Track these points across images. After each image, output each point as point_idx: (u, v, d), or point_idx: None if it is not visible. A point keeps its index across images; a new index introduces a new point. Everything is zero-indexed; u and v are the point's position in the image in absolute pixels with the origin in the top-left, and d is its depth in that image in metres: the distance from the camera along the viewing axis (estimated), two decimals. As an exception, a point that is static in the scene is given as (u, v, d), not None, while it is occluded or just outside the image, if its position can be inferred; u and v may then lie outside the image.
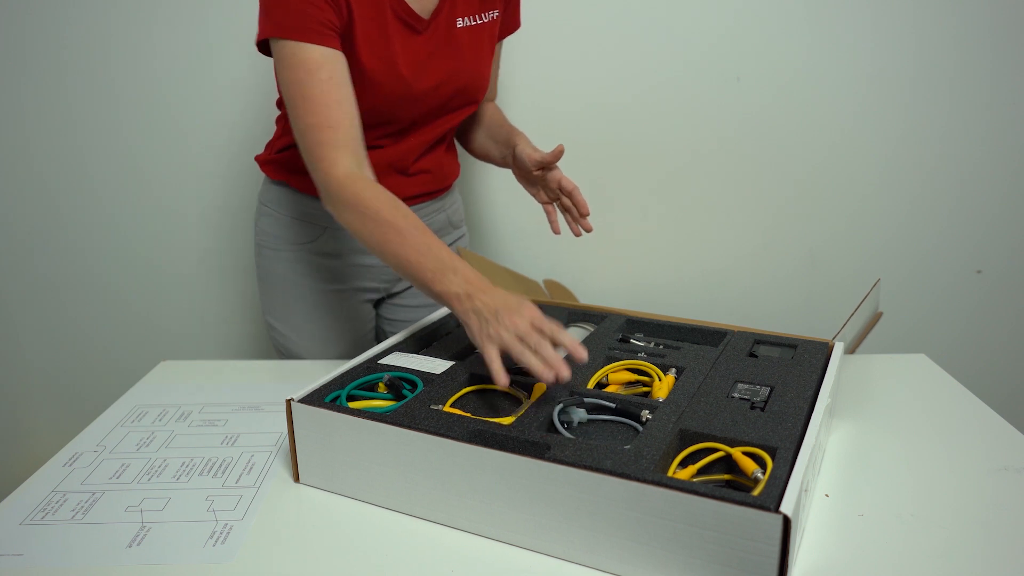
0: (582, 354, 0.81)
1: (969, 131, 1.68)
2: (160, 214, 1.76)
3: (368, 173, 0.99)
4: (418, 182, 1.21)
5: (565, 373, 0.78)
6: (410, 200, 1.20)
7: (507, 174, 1.76)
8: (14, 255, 1.78)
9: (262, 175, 1.27)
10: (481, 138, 1.29)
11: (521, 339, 0.81)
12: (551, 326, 0.82)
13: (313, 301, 1.23)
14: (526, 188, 1.22)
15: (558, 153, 1.08)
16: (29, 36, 1.63)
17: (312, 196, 1.17)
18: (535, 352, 0.79)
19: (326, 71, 0.96)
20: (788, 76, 1.65)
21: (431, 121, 1.15)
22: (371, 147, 1.11)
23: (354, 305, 1.26)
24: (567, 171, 1.72)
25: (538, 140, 1.69)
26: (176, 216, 1.76)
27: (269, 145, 1.23)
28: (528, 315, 0.82)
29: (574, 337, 1.02)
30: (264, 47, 1.01)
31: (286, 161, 1.18)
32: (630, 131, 1.70)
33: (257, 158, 1.24)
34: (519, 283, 1.38)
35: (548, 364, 0.78)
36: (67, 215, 1.75)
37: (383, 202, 0.95)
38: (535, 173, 1.15)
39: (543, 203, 1.19)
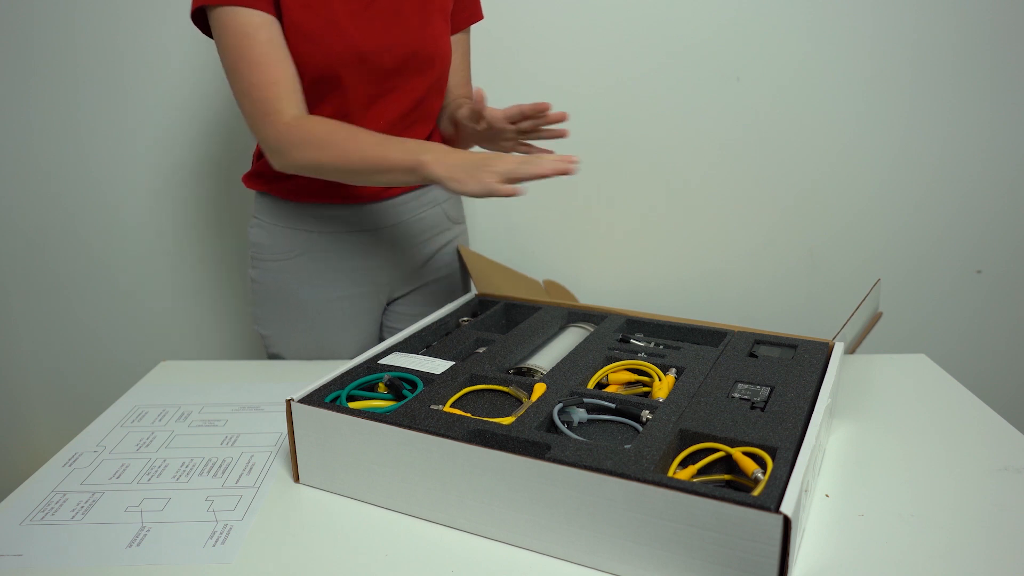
0: (571, 166, 0.88)
1: (969, 131, 1.68)
2: (161, 214, 1.76)
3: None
4: None
5: (574, 162, 0.87)
6: (396, 187, 1.18)
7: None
8: (15, 255, 1.78)
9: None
10: (443, 124, 1.26)
11: (512, 172, 0.89)
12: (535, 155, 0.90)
13: (309, 310, 1.20)
14: (487, 147, 1.15)
15: (537, 109, 1.02)
16: (35, 37, 1.64)
17: (294, 201, 1.17)
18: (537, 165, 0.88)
19: (264, 33, 1.01)
20: (788, 76, 1.65)
21: (387, 94, 1.13)
22: None
23: (352, 314, 1.23)
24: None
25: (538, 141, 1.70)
26: (177, 216, 1.77)
27: (253, 158, 1.22)
28: (511, 159, 0.90)
29: (571, 335, 1.02)
30: (199, 20, 1.04)
31: (263, 170, 1.16)
32: (630, 131, 1.70)
33: (243, 177, 1.21)
34: (521, 282, 1.37)
35: (557, 161, 0.87)
36: (68, 215, 1.76)
37: (332, 125, 1.01)
38: (498, 128, 1.08)
39: (509, 150, 1.12)
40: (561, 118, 1.01)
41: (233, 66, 1.02)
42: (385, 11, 1.10)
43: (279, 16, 1.04)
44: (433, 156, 0.94)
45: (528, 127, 1.05)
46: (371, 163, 0.99)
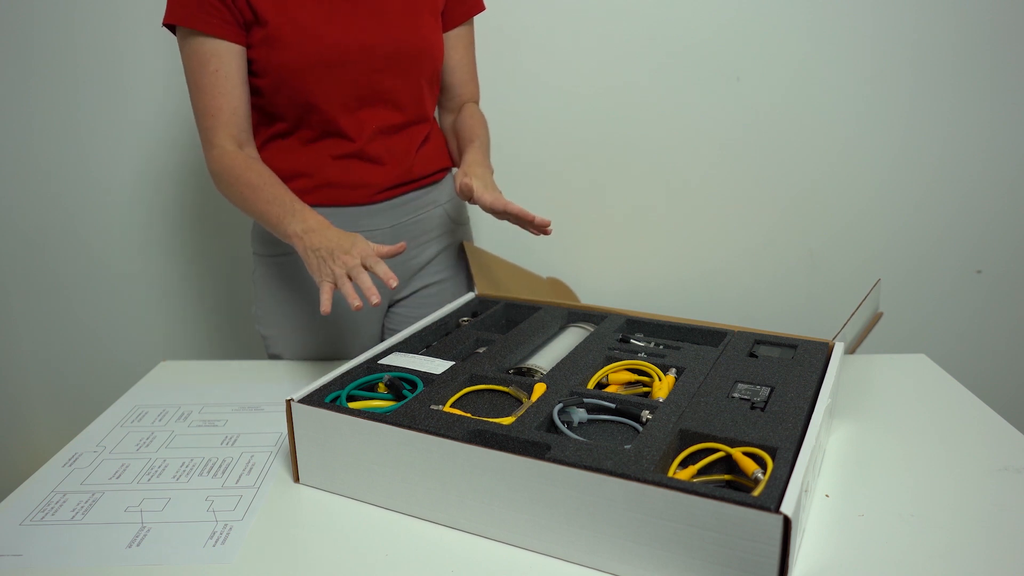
0: (392, 283, 0.89)
1: (969, 131, 1.68)
2: (161, 214, 1.76)
3: (248, 152, 1.10)
4: (393, 170, 1.18)
5: (374, 300, 0.88)
6: (391, 190, 1.18)
7: (508, 171, 1.77)
8: (15, 255, 1.78)
9: None
10: (451, 140, 1.29)
11: (349, 275, 0.91)
12: (374, 261, 0.92)
13: (310, 311, 1.20)
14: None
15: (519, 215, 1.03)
16: (35, 37, 1.63)
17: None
18: (353, 281, 0.91)
19: (214, 64, 1.05)
20: (788, 76, 1.65)
21: (375, 97, 1.13)
22: (326, 133, 1.12)
23: (353, 316, 1.22)
24: (565, 172, 1.73)
25: (539, 142, 1.70)
26: (177, 216, 1.76)
27: None
28: (359, 254, 0.92)
29: (571, 335, 1.02)
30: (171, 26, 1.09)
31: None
32: (630, 131, 1.70)
33: None
34: (524, 278, 1.37)
35: (364, 292, 0.89)
36: (68, 215, 1.75)
37: (245, 168, 1.06)
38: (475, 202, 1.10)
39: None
40: (543, 227, 1.04)
41: (188, 86, 1.08)
42: (368, 11, 1.10)
43: (251, 30, 1.05)
44: (301, 229, 0.97)
45: (511, 221, 1.07)
46: (263, 218, 1.04)
